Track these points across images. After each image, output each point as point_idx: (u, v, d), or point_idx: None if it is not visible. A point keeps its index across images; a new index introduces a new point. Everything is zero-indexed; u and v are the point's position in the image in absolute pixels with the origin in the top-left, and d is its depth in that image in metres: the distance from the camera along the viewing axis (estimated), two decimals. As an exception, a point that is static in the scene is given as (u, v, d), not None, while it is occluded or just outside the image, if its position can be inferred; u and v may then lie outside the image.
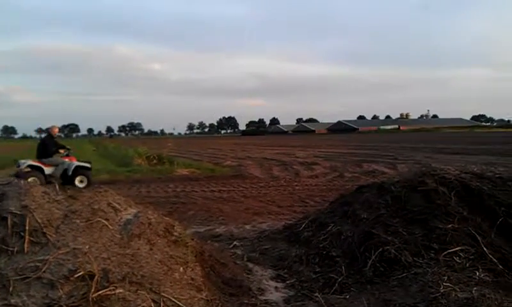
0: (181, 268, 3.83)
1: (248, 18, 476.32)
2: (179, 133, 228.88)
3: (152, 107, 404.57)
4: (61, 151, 14.33)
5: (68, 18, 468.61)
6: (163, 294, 3.36)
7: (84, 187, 13.77)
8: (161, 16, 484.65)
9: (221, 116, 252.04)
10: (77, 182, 13.95)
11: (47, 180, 13.75)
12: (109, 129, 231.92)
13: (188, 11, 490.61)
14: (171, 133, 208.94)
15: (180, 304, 3.38)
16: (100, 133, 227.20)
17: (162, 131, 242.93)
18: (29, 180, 13.30)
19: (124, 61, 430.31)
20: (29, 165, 13.93)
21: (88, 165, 14.46)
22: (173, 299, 3.38)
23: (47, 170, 13.86)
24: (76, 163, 14.18)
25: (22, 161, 14.07)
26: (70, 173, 13.96)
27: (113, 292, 3.13)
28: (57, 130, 14.70)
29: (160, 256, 3.80)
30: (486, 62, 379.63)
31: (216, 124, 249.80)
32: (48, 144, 14.13)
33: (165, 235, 4.11)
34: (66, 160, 14.20)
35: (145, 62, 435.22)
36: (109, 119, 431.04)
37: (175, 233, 4.22)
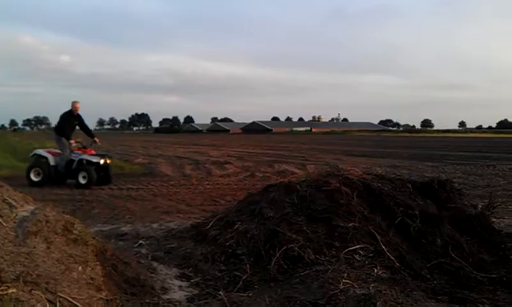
0: (80, 268, 3.69)
1: (163, 14, 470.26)
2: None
3: (59, 100, 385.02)
4: (73, 142, 12.83)
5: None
6: (60, 294, 3.23)
7: (85, 185, 12.35)
8: (71, 6, 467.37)
9: (133, 112, 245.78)
10: (80, 178, 12.47)
11: (52, 172, 12.51)
12: (13, 122, 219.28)
13: (100, 4, 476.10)
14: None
15: (77, 304, 3.25)
16: (3, 126, 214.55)
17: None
18: (31, 171, 12.42)
19: (30, 51, 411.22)
20: (35, 154, 12.84)
21: (96, 160, 12.78)
22: (70, 299, 3.25)
23: (53, 160, 12.56)
24: (84, 156, 12.68)
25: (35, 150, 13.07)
26: (74, 166, 12.58)
27: (5, 292, 2.96)
28: (78, 105, 13.03)
29: (57, 255, 3.63)
30: (394, 70, 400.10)
31: (127, 120, 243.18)
32: (63, 119, 12.82)
33: (64, 233, 3.93)
34: (78, 152, 12.78)
35: (53, 53, 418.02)
36: (12, 112, 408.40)
37: (75, 231, 4.05)
